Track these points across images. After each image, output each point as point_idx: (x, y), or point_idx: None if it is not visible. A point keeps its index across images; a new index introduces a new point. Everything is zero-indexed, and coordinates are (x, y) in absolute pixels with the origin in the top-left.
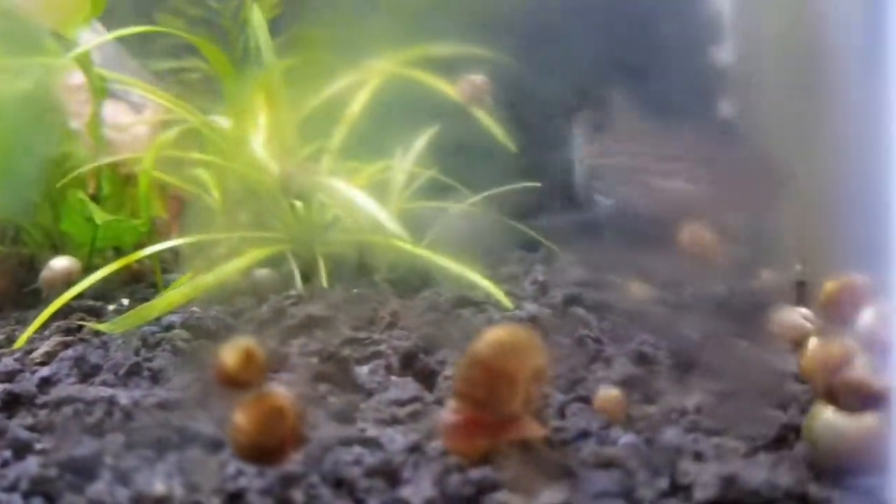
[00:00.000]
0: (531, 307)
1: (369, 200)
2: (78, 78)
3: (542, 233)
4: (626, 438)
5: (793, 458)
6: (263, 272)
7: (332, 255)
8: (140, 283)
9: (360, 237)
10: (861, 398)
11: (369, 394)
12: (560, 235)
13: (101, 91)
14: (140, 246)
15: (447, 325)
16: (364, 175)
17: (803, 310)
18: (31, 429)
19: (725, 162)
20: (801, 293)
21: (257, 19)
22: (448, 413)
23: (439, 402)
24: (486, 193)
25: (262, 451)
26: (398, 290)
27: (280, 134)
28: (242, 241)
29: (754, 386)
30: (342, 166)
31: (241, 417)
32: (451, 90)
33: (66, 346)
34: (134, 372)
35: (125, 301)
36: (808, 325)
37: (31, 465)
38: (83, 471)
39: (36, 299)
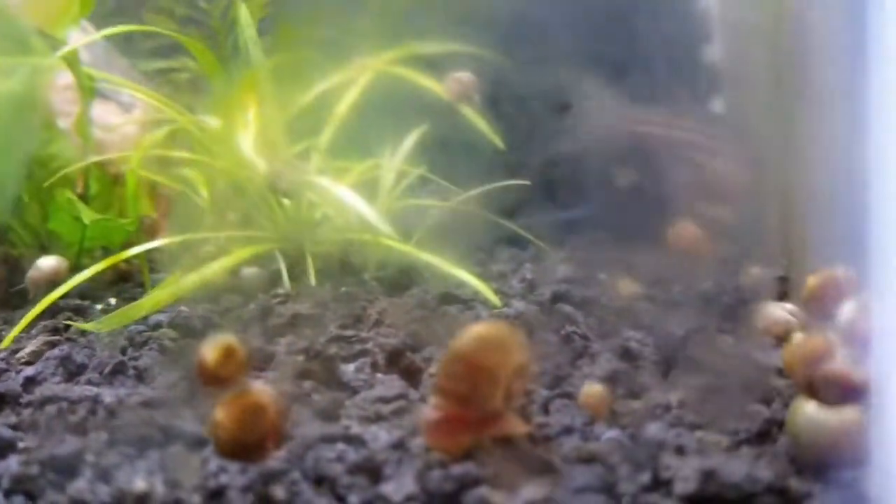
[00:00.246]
0: (519, 304)
1: (358, 199)
2: (66, 77)
3: (531, 230)
4: (609, 434)
5: (775, 453)
6: (251, 271)
7: (321, 254)
8: (128, 282)
9: (349, 235)
10: (841, 391)
11: (354, 391)
12: (549, 232)
13: (89, 90)
14: (128, 245)
15: (434, 323)
16: (353, 173)
17: (788, 305)
18: (15, 427)
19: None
20: (784, 288)
21: (245, 18)
22: (430, 409)
23: (424, 400)
24: (474, 191)
25: (243, 448)
26: (386, 289)
27: (268, 132)
28: (230, 239)
29: (738, 381)
30: (331, 165)
31: (222, 414)
32: (438, 88)
33: (53, 345)
34: (119, 371)
35: (112, 300)
36: (793, 319)
37: (13, 463)
38: (65, 469)
39: (23, 299)
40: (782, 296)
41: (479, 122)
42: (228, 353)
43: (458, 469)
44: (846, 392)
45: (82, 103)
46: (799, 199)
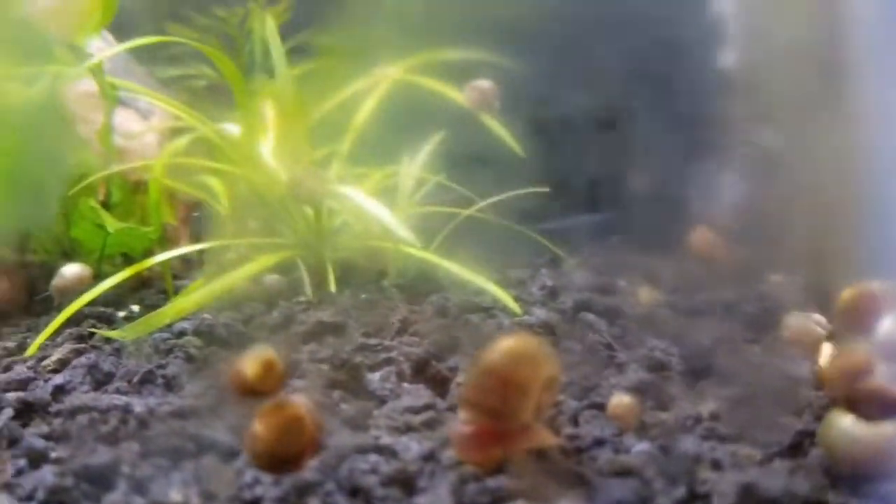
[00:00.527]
0: (540, 312)
1: (382, 207)
2: (85, 85)
3: (547, 235)
4: (640, 446)
5: (809, 466)
6: (272, 278)
7: (340, 261)
8: (149, 289)
9: (368, 243)
10: (882, 406)
11: (382, 401)
12: (564, 237)
13: (112, 99)
14: (148, 252)
15: (457, 332)
16: (372, 180)
17: (815, 315)
18: (46, 437)
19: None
20: (811, 298)
21: (270, 27)
22: (460, 423)
23: (452, 410)
24: (494, 199)
25: (280, 461)
26: (406, 296)
27: (290, 140)
28: (252, 247)
29: (768, 392)
30: (351, 172)
31: (260, 427)
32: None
33: (79, 353)
34: (147, 380)
35: (135, 307)
36: (821, 330)
37: (47, 474)
38: (99, 480)
39: (45, 306)
40: (809, 306)
41: (500, 130)
42: (268, 367)
43: (493, 482)
44: (887, 407)
45: (106, 112)
46: (828, 209)
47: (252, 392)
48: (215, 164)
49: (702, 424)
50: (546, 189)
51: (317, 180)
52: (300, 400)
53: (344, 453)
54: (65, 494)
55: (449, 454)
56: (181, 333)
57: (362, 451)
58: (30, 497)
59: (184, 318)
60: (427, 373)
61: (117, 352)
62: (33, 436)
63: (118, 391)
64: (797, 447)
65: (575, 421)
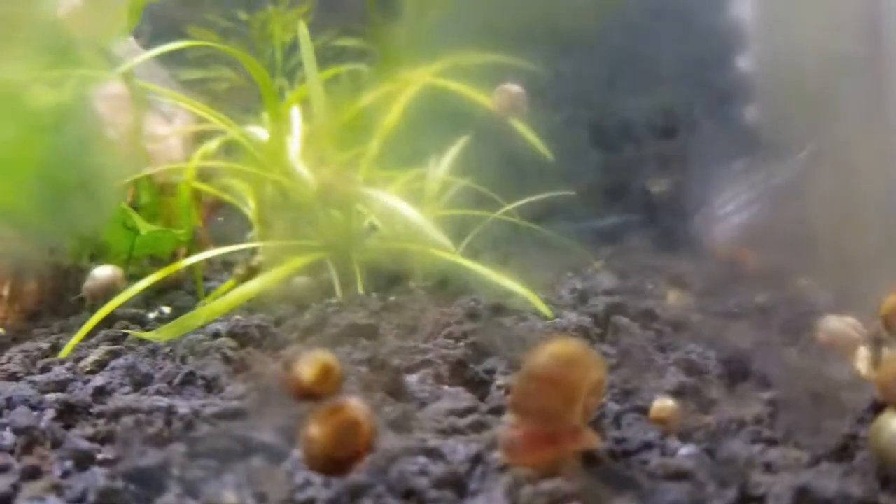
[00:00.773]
0: (571, 316)
1: (412, 210)
2: (112, 88)
3: (570, 237)
4: (685, 449)
5: (859, 468)
6: (302, 280)
7: (368, 263)
8: (178, 290)
9: (396, 245)
10: None
11: (422, 403)
12: (586, 239)
13: (143, 103)
14: (174, 254)
15: (492, 334)
16: (399, 183)
17: (848, 318)
18: (91, 439)
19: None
20: (842, 303)
21: (303, 31)
22: (508, 428)
23: (494, 412)
24: (522, 201)
25: (336, 464)
26: (434, 298)
27: (318, 143)
28: (282, 249)
29: (810, 395)
30: (378, 174)
31: (316, 430)
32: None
33: (115, 354)
34: (188, 381)
35: (165, 309)
36: (856, 334)
37: (98, 476)
38: (150, 482)
39: (76, 308)
40: (841, 309)
41: (528, 134)
42: (326, 370)
43: (547, 485)
44: None
45: (136, 115)
46: (861, 215)
47: (308, 395)
48: (242, 166)
49: (746, 428)
50: (571, 192)
51: (346, 183)
52: (357, 403)
53: (392, 455)
54: (116, 497)
55: (496, 457)
56: (215, 335)
57: (410, 453)
58: (80, 499)
59: (217, 320)
60: (464, 375)
61: (152, 353)
62: (78, 437)
63: (158, 392)
64: (843, 450)
65: (618, 424)
